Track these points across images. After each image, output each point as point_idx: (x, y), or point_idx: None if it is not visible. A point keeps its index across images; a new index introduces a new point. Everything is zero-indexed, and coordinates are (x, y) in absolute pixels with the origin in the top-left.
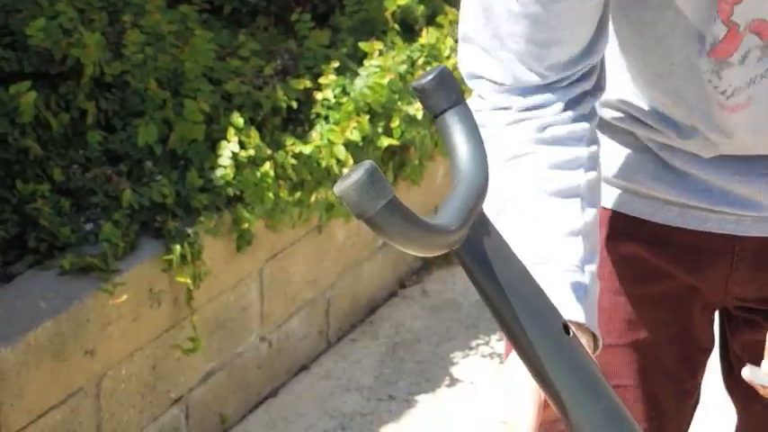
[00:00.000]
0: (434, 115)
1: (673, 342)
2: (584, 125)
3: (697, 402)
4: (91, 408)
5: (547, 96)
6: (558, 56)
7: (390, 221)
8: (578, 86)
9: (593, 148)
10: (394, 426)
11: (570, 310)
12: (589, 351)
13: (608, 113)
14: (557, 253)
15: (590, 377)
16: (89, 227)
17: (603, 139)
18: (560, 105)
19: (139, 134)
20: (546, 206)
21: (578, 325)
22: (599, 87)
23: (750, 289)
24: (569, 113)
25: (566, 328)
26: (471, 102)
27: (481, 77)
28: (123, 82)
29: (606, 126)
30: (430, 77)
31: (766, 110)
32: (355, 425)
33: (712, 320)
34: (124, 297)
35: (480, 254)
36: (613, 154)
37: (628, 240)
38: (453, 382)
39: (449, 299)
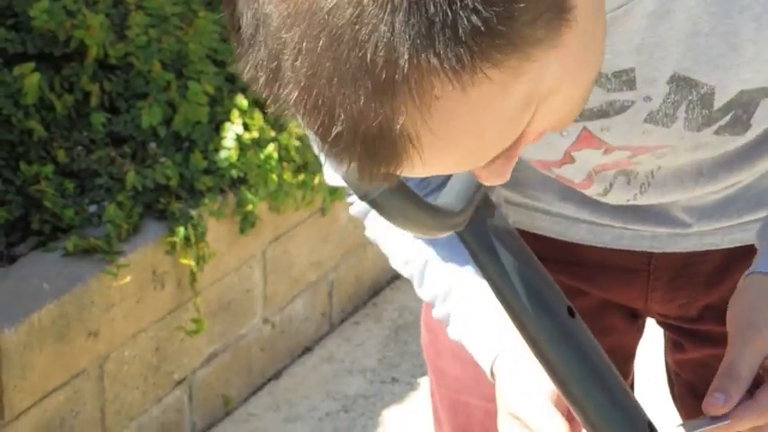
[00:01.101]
0: None
1: None
2: None
3: None
4: (94, 389)
5: None
6: None
7: (394, 203)
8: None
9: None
10: (397, 408)
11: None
12: None
13: None
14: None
15: (595, 359)
16: (93, 208)
17: None
18: None
19: (143, 116)
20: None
21: None
22: None
23: (671, 308)
24: None
25: (570, 311)
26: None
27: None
28: (127, 64)
29: None
30: None
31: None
32: (358, 407)
33: (640, 326)
34: (128, 279)
35: (484, 236)
36: (517, 174)
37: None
38: None
39: None
